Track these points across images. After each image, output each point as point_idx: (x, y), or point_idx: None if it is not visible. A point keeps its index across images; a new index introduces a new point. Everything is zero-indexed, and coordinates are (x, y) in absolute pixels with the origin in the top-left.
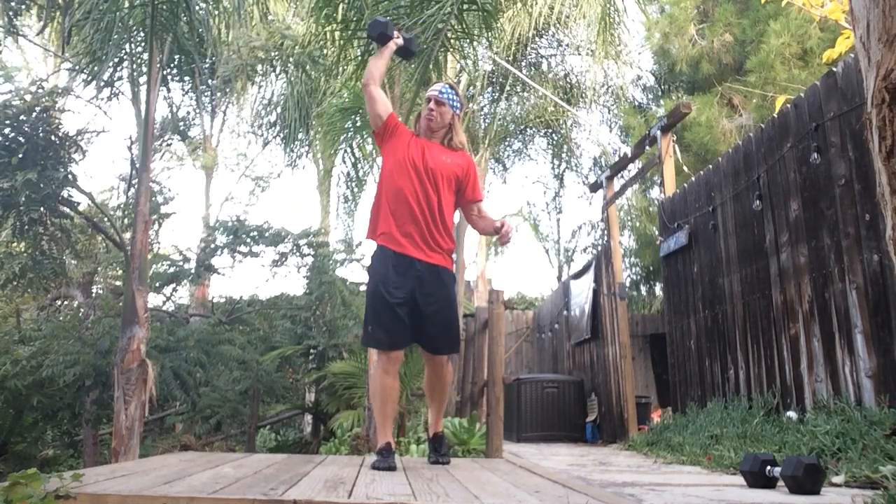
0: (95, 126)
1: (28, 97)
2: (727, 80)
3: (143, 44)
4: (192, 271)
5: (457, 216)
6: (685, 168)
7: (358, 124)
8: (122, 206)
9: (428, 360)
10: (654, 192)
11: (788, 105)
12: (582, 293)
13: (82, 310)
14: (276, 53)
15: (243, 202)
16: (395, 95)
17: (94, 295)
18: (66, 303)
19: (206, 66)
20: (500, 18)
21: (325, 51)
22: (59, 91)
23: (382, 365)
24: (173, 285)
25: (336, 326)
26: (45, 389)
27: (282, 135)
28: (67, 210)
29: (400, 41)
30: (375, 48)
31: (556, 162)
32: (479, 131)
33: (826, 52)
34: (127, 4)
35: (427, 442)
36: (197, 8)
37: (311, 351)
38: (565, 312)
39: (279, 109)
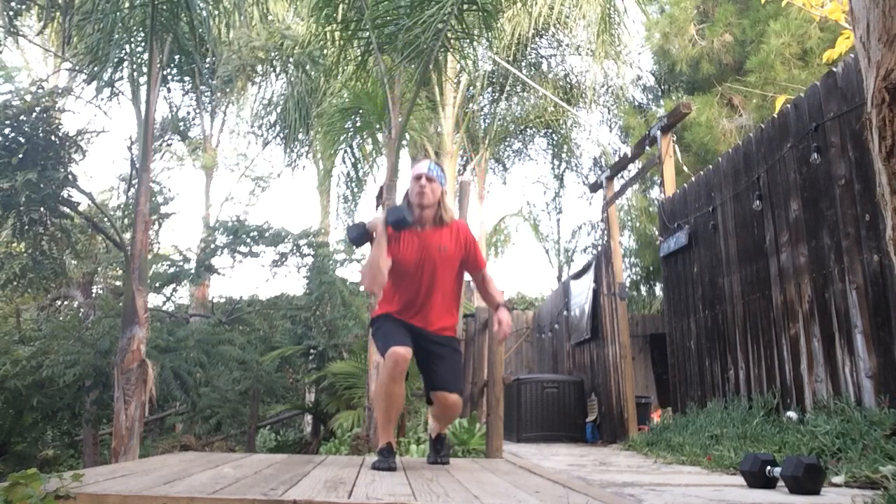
0: (95, 126)
1: (28, 97)
2: (727, 80)
3: (143, 44)
4: (192, 271)
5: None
6: (685, 168)
7: (358, 124)
8: (122, 206)
9: (435, 397)
10: (654, 192)
11: (788, 105)
12: (582, 293)
13: (82, 310)
14: (276, 53)
15: (243, 202)
16: (395, 95)
17: (94, 295)
18: (66, 303)
19: (206, 66)
20: (500, 18)
21: (325, 51)
22: (59, 91)
23: (389, 371)
24: (173, 285)
25: (336, 326)
26: (45, 389)
27: (282, 135)
28: (67, 210)
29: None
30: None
31: (556, 162)
32: (479, 131)
33: (826, 52)
34: (127, 5)
35: (428, 442)
36: (197, 8)
37: (311, 351)
38: (565, 312)
39: (279, 109)
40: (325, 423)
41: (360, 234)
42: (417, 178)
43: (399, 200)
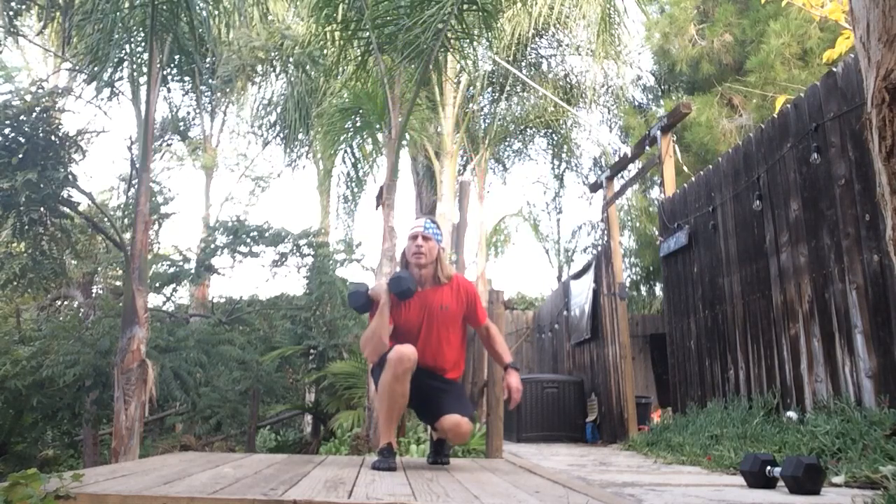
0: (95, 126)
1: (28, 97)
2: (727, 80)
3: (143, 44)
4: (192, 271)
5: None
6: (685, 168)
7: (358, 124)
8: (122, 206)
9: (444, 423)
10: (654, 192)
11: (788, 105)
12: (582, 293)
13: (82, 310)
14: (276, 53)
15: (243, 202)
16: (395, 95)
17: (94, 295)
18: (66, 303)
19: (206, 66)
20: (500, 18)
21: (325, 51)
22: (59, 91)
23: (393, 369)
24: (173, 285)
25: (336, 326)
26: (45, 390)
27: (282, 135)
28: (67, 210)
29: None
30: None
31: (556, 162)
32: (479, 131)
33: (826, 52)
34: (127, 5)
35: (429, 443)
36: (197, 8)
37: (311, 351)
38: (565, 312)
39: (279, 109)
40: (325, 423)
41: (363, 304)
42: (413, 237)
43: (398, 200)
